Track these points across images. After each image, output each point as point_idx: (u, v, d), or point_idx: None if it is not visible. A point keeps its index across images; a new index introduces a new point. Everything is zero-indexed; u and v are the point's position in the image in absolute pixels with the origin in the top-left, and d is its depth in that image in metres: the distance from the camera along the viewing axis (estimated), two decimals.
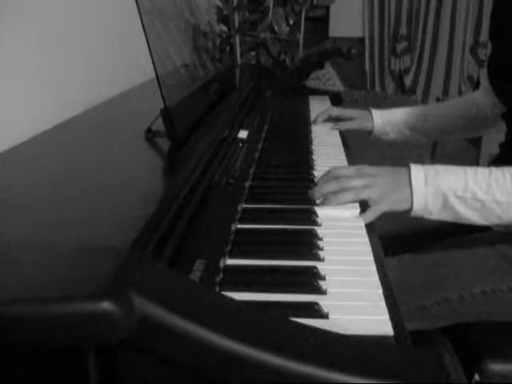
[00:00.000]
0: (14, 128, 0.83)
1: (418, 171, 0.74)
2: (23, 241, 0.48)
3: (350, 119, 1.23)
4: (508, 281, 0.83)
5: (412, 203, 0.73)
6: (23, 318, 0.35)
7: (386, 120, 1.20)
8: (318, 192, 0.78)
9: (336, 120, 1.26)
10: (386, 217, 0.83)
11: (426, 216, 0.75)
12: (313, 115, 1.34)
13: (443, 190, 0.72)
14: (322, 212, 0.75)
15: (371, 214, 0.73)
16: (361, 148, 1.07)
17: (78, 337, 0.36)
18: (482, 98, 1.13)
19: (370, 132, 1.22)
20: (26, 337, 0.36)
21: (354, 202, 0.76)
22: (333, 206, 0.76)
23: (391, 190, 0.74)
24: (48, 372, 0.39)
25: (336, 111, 1.27)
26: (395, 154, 0.94)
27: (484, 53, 3.17)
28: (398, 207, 0.74)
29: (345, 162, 1.02)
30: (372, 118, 1.20)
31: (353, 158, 1.06)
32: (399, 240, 1.04)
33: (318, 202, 0.78)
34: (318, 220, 0.74)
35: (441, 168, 0.75)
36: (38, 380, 0.39)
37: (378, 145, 0.95)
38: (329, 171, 0.81)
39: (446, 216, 0.75)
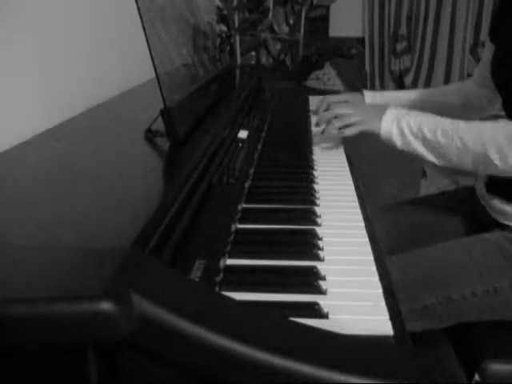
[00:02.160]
0: (14, 128, 0.83)
1: (390, 111, 0.95)
2: (23, 241, 0.48)
3: None
4: (509, 278, 0.83)
5: (380, 130, 0.95)
6: (24, 318, 0.35)
7: (377, 103, 1.23)
8: (319, 120, 1.04)
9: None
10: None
11: (394, 144, 0.94)
12: (313, 115, 1.35)
13: (402, 127, 0.92)
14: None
15: (354, 130, 0.98)
16: (360, 147, 1.09)
17: (78, 337, 0.36)
18: (471, 88, 1.14)
19: None
20: (27, 336, 0.36)
21: (344, 124, 0.99)
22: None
23: (369, 117, 0.97)
24: (48, 371, 0.39)
25: (333, 98, 1.31)
26: (396, 151, 0.98)
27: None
28: (371, 130, 0.96)
29: (345, 161, 1.02)
30: (363, 100, 1.24)
31: (352, 156, 1.06)
32: (400, 240, 1.05)
33: (320, 128, 1.05)
34: (318, 220, 0.74)
35: (412, 113, 0.94)
36: (38, 379, 0.39)
37: (377, 143, 0.98)
38: (324, 98, 1.09)
39: (407, 150, 0.93)
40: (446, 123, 0.89)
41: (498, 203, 0.93)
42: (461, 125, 0.87)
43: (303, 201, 0.81)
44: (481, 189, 1.01)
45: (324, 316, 0.52)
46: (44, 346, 0.37)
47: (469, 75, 3.27)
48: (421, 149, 0.91)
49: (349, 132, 0.98)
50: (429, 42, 3.25)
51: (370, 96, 1.24)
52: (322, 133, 1.04)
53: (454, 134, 0.87)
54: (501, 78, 0.95)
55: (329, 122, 1.01)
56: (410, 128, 0.91)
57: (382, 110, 0.97)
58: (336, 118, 1.00)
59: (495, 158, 0.82)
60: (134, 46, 1.11)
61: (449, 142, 0.87)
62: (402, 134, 0.92)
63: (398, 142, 0.93)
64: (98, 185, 0.63)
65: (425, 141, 0.90)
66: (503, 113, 0.95)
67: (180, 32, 0.93)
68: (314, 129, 1.21)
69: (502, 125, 0.83)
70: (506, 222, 0.92)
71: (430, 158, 0.91)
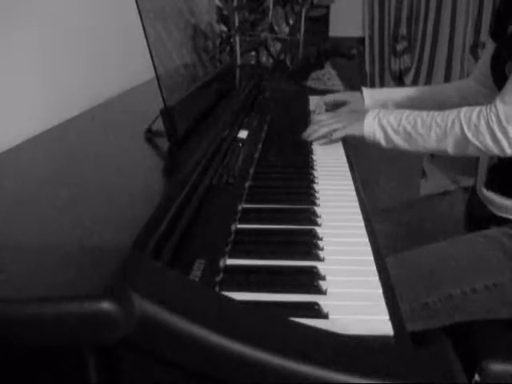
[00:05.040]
0: (14, 128, 0.83)
1: (372, 112, 1.02)
2: (23, 241, 0.48)
3: (345, 103, 1.28)
4: (509, 274, 0.83)
5: (363, 132, 1.01)
6: (24, 318, 0.35)
7: (376, 99, 1.25)
8: (307, 133, 1.13)
9: (333, 105, 1.31)
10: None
11: (378, 143, 1.00)
12: (313, 116, 1.35)
13: (384, 125, 0.98)
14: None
15: (339, 134, 1.08)
16: (360, 147, 1.10)
17: (78, 336, 0.36)
18: (469, 86, 1.15)
19: None
20: (26, 336, 0.36)
21: (329, 131, 1.10)
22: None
23: (352, 121, 1.04)
24: (48, 371, 0.39)
25: (330, 97, 1.34)
26: (395, 152, 1.00)
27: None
28: (355, 133, 1.04)
29: (345, 162, 1.02)
30: (363, 99, 1.25)
31: (352, 156, 1.06)
32: (400, 240, 1.05)
33: (307, 138, 1.12)
34: (318, 220, 0.74)
35: (389, 111, 1.02)
36: (38, 379, 0.39)
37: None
38: (312, 119, 1.18)
39: (388, 146, 1.00)
40: (423, 114, 0.95)
41: (497, 198, 0.94)
42: (436, 113, 0.94)
43: (303, 201, 0.81)
44: (480, 186, 1.01)
45: (324, 316, 0.52)
46: (44, 345, 0.37)
47: (469, 75, 3.27)
48: (403, 143, 0.97)
49: (334, 137, 1.08)
50: (429, 42, 3.24)
51: (368, 93, 1.25)
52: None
53: (433, 121, 0.92)
54: (500, 73, 0.95)
55: (314, 134, 1.11)
56: (391, 125, 0.97)
57: (362, 113, 1.03)
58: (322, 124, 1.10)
59: (471, 137, 0.87)
60: (133, 46, 1.11)
61: (428, 130, 0.93)
62: (385, 132, 0.98)
63: (382, 140, 0.99)
64: (98, 185, 0.63)
65: (406, 134, 0.95)
66: None
67: (180, 32, 0.93)
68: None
69: (474, 107, 0.89)
70: (505, 216, 0.92)
71: (413, 149, 0.97)
